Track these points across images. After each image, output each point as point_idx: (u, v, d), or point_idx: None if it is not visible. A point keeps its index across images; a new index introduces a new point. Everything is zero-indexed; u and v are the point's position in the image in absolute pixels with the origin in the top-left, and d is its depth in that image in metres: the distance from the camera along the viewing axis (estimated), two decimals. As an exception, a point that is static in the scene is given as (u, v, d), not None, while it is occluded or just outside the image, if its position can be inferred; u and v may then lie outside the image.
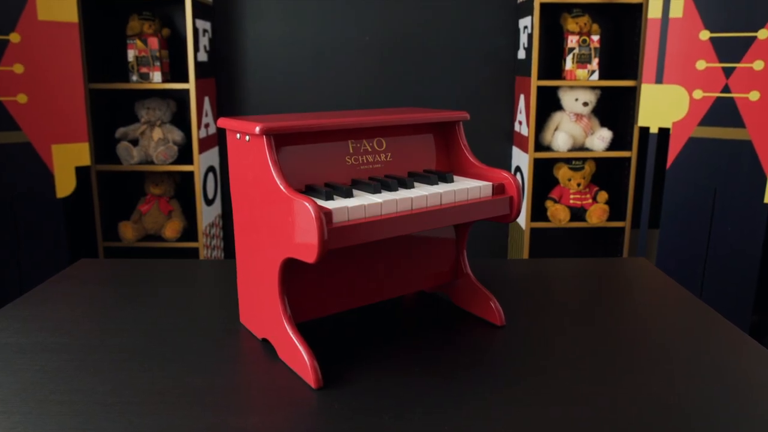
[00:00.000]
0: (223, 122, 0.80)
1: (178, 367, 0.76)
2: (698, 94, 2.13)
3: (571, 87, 2.38)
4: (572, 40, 2.31)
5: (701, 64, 2.09)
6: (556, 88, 2.43)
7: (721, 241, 2.15)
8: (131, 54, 2.26)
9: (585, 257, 1.43)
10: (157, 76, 2.27)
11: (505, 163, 2.64)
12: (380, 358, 0.79)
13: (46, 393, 0.70)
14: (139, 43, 2.25)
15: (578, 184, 2.42)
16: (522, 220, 2.42)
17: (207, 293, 1.03)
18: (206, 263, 1.26)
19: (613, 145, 2.40)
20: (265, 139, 0.72)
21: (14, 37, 2.01)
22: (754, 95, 2.05)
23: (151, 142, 2.34)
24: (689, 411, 0.67)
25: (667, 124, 2.21)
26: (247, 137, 0.76)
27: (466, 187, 0.79)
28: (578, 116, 2.39)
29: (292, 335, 0.74)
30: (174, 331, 0.87)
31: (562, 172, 2.44)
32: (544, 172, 2.55)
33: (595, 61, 2.31)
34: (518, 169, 2.50)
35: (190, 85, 2.22)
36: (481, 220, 0.82)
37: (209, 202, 2.43)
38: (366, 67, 2.53)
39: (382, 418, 0.65)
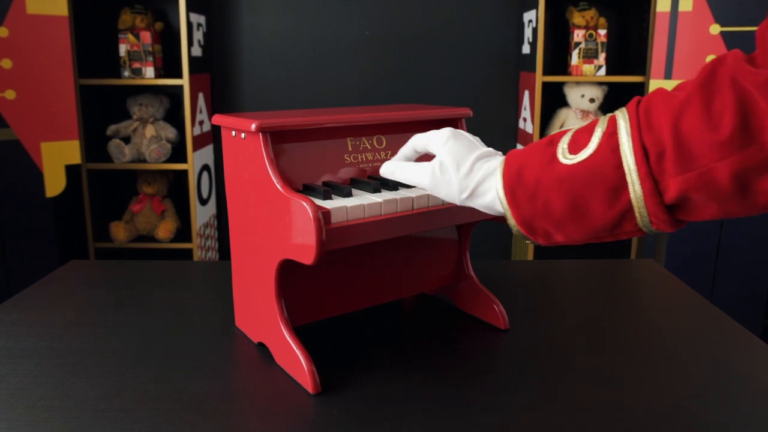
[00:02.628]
0: (218, 119, 0.79)
1: (172, 372, 0.75)
2: (708, 90, 2.11)
3: (578, 83, 2.36)
4: (578, 35, 2.29)
5: (711, 59, 2.07)
6: (561, 84, 2.41)
7: (732, 242, 2.13)
8: (123, 49, 2.23)
9: (591, 258, 1.42)
10: (149, 72, 2.24)
11: (507, 161, 2.62)
12: (380, 363, 0.77)
13: (36, 399, 0.69)
14: (131, 37, 2.22)
15: (584, 183, 2.40)
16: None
17: (201, 296, 1.02)
18: (201, 265, 1.25)
19: (619, 143, 2.38)
20: (261, 136, 0.71)
21: (2, 32, 1.98)
22: (765, 92, 2.04)
23: (144, 140, 2.32)
24: (699, 415, 0.66)
25: (676, 121, 2.19)
26: (243, 135, 0.75)
27: (469, 187, 0.77)
28: (585, 113, 2.37)
29: (289, 339, 0.73)
30: (168, 335, 0.86)
31: (567, 171, 2.42)
32: (549, 171, 2.53)
33: (602, 56, 2.29)
34: (522, 167, 2.49)
35: (184, 81, 2.19)
36: (485, 221, 0.80)
37: (204, 201, 2.41)
38: (366, 63, 2.51)
39: (382, 425, 0.64)
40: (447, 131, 0.67)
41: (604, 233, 0.54)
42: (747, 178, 0.45)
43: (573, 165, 0.52)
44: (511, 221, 0.58)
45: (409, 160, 0.74)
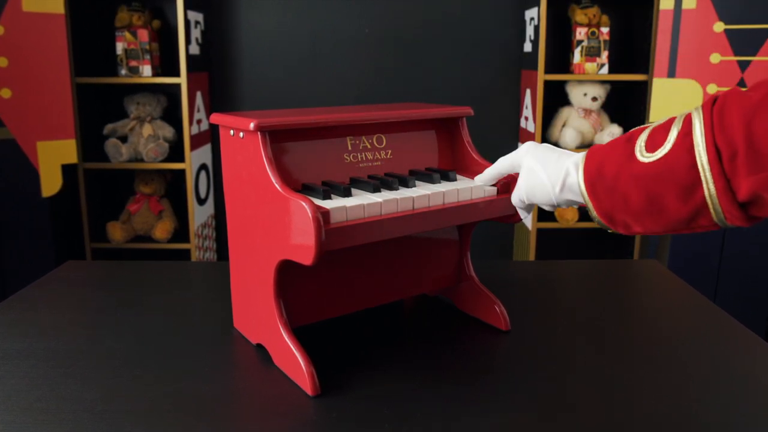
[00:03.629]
0: (216, 118, 0.79)
1: (170, 374, 0.75)
2: (712, 88, 2.09)
3: (580, 81, 2.35)
4: (581, 33, 2.28)
5: (715, 58, 2.06)
6: (563, 83, 2.40)
7: (736, 242, 2.12)
8: (120, 47, 2.22)
9: (594, 259, 1.42)
10: (147, 70, 2.23)
11: (509, 160, 2.61)
12: (380, 364, 0.77)
13: (32, 400, 0.68)
14: (128, 35, 2.21)
15: (587, 183, 2.39)
16: (528, 220, 2.40)
17: (199, 297, 1.02)
18: (198, 265, 1.24)
19: (623, 142, 2.37)
20: (260, 135, 0.70)
21: (-2, 30, 1.96)
22: (771, 90, 2.03)
23: (141, 139, 2.31)
24: (699, 415, 0.66)
25: (681, 120, 2.18)
26: (241, 134, 0.74)
27: (469, 186, 0.78)
28: (587, 112, 2.37)
29: (288, 340, 0.72)
30: (165, 336, 0.85)
31: (570, 170, 2.41)
32: (551, 170, 2.51)
33: (605, 55, 2.28)
34: (524, 167, 2.48)
35: (182, 80, 2.18)
36: (486, 221, 0.80)
37: (201, 201, 2.40)
38: (365, 61, 2.50)
39: (382, 427, 0.63)
40: (526, 144, 0.73)
41: (680, 226, 0.57)
42: None
43: (649, 163, 0.56)
44: (593, 213, 0.63)
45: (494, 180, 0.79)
